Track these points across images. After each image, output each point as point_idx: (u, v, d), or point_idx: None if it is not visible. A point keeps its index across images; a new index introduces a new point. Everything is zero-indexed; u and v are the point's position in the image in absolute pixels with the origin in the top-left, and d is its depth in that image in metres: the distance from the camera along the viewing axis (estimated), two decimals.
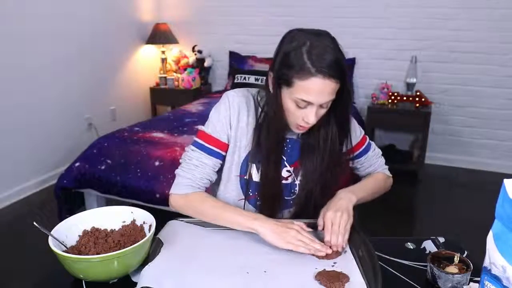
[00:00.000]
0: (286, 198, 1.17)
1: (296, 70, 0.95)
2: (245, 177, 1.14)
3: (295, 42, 0.96)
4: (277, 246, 0.93)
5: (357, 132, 1.22)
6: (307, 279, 0.85)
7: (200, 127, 1.14)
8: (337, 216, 0.99)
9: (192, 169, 1.10)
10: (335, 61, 0.94)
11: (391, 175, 1.27)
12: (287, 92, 0.99)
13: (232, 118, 1.10)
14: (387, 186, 1.24)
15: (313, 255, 0.93)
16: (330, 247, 0.96)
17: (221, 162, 1.14)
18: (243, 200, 1.17)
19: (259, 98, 1.12)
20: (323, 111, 1.02)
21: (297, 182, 1.16)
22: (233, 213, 1.02)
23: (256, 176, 1.13)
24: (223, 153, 1.13)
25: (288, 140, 1.14)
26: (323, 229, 1.00)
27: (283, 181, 1.15)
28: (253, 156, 1.11)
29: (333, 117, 1.07)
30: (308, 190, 1.14)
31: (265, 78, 1.08)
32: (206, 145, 1.11)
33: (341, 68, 0.96)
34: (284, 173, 1.15)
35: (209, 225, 1.06)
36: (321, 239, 0.98)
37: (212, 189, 1.23)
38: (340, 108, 1.05)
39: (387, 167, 1.27)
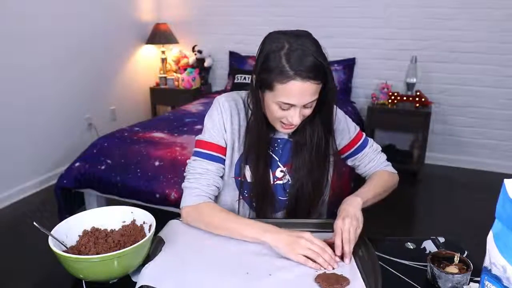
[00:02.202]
0: (281, 198, 1.17)
1: (275, 74, 0.96)
2: (240, 178, 1.15)
3: (274, 45, 0.97)
4: (288, 258, 0.92)
5: (351, 128, 1.22)
6: (307, 281, 0.85)
7: (197, 137, 1.15)
8: (346, 223, 0.96)
9: (198, 178, 1.09)
10: (314, 62, 0.95)
11: (395, 171, 1.25)
12: (269, 95, 1.00)
13: (225, 121, 1.12)
14: (393, 183, 1.22)
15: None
16: (341, 256, 0.94)
17: (223, 166, 1.14)
18: (238, 201, 1.17)
19: (249, 100, 1.12)
20: (307, 111, 1.03)
21: (290, 181, 1.16)
22: (243, 225, 1.00)
23: (250, 177, 1.14)
24: (224, 157, 1.13)
25: (279, 140, 1.15)
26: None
27: (277, 182, 1.16)
28: (245, 157, 1.12)
29: (319, 115, 1.08)
30: (299, 186, 1.14)
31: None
32: (207, 151, 1.11)
33: (321, 69, 0.96)
34: (278, 174, 1.15)
35: None
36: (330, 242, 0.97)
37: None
38: (325, 107, 1.06)
39: (389, 163, 1.26)
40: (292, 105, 0.99)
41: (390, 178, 1.21)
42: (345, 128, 1.21)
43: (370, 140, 1.25)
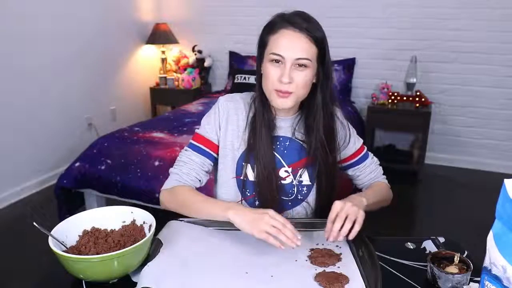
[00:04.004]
0: (284, 198, 1.17)
1: (269, 29, 1.04)
2: (241, 178, 1.15)
3: (274, 16, 1.07)
4: (251, 234, 0.93)
5: (356, 139, 1.24)
6: (306, 280, 0.85)
7: (196, 130, 1.19)
8: (346, 205, 0.97)
9: (180, 166, 1.16)
10: (308, 21, 1.01)
11: (389, 186, 1.27)
12: (265, 56, 1.05)
13: (221, 120, 1.15)
14: (389, 197, 1.24)
15: (310, 256, 0.93)
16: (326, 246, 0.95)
17: (211, 162, 1.17)
18: (241, 202, 1.17)
19: (249, 100, 1.16)
20: (299, 76, 1.03)
21: (295, 182, 1.16)
22: (210, 204, 1.04)
23: (252, 176, 1.14)
24: (214, 154, 1.17)
25: (281, 138, 1.15)
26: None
27: (281, 181, 1.16)
28: (247, 155, 1.13)
29: (319, 93, 1.09)
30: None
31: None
32: (197, 144, 1.16)
33: (315, 29, 1.01)
34: (282, 173, 1.15)
35: (209, 225, 1.06)
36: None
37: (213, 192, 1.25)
38: (323, 81, 1.08)
39: (385, 176, 1.28)
40: (282, 58, 1.01)
41: (387, 192, 1.23)
42: (351, 137, 1.22)
43: (370, 153, 1.28)
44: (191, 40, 4.16)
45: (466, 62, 3.35)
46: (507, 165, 3.41)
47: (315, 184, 1.17)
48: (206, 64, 4.09)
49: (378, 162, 1.28)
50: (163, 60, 4.16)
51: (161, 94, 4.18)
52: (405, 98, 3.29)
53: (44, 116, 3.08)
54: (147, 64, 4.21)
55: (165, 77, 4.14)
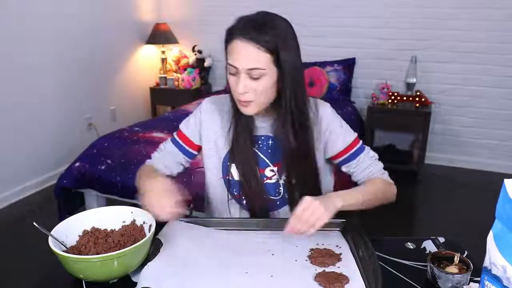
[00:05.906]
0: (272, 197, 1.17)
1: (227, 37, 1.02)
2: (228, 177, 1.16)
3: (235, 20, 1.04)
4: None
5: (347, 134, 1.16)
6: (306, 280, 0.85)
7: (179, 126, 1.23)
8: (314, 204, 0.92)
9: (156, 152, 1.22)
10: (258, 28, 0.97)
11: (392, 181, 1.17)
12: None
13: (202, 121, 1.17)
14: (388, 193, 1.14)
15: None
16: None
17: (185, 156, 1.20)
18: (228, 202, 1.18)
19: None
20: (255, 84, 1.00)
21: (281, 181, 1.16)
22: (142, 187, 1.05)
23: (237, 176, 1.15)
24: (190, 150, 1.20)
25: (262, 137, 1.14)
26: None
27: (267, 181, 1.16)
28: (231, 155, 1.14)
29: (283, 98, 1.04)
30: (287, 178, 1.14)
31: None
32: (176, 138, 1.21)
33: (264, 37, 0.96)
34: (268, 173, 1.15)
35: (209, 225, 1.06)
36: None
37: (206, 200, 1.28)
38: (288, 85, 1.02)
39: (386, 172, 1.18)
40: (237, 70, 1.00)
41: (384, 187, 1.13)
42: (340, 132, 1.15)
43: (367, 148, 1.18)
44: (191, 40, 4.16)
45: (466, 62, 3.35)
46: (507, 165, 3.41)
47: (298, 182, 1.14)
48: (206, 64, 4.09)
49: (376, 157, 1.18)
50: (163, 60, 4.16)
51: (161, 94, 4.18)
52: (405, 98, 3.29)
53: (44, 116, 3.08)
54: (147, 64, 4.21)
55: (165, 77, 4.14)
